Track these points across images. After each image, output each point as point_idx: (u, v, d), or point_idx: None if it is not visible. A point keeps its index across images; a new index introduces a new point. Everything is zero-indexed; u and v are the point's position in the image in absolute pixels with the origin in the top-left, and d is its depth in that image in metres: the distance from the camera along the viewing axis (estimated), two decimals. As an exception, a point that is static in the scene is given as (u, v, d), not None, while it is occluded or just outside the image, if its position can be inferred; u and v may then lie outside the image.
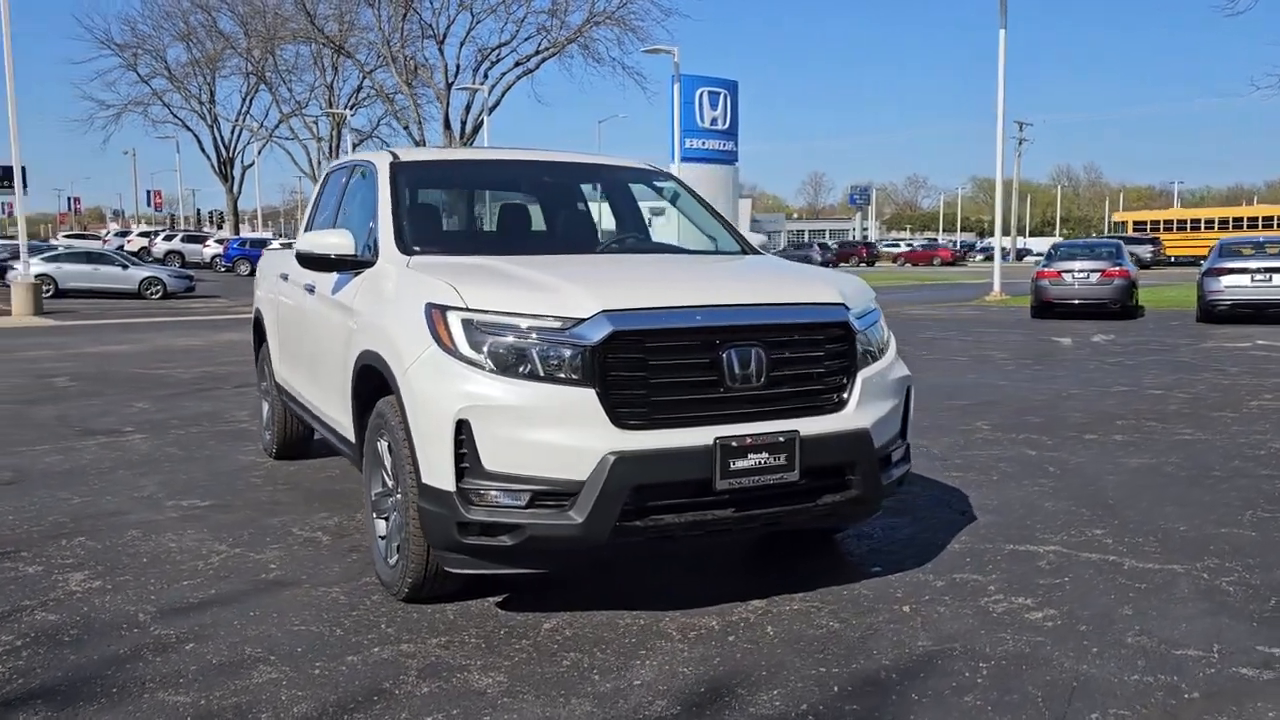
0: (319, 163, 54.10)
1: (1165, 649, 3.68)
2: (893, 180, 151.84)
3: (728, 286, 4.24)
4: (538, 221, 5.50)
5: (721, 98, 35.06)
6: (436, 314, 3.80)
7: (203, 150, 61.40)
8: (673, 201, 5.72)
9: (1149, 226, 60.54)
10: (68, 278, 29.40)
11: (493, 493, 3.62)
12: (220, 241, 47.81)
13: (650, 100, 37.34)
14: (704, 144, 36.53)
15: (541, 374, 3.65)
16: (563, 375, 3.65)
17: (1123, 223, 67.11)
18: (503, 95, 45.13)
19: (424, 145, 46.16)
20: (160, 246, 49.67)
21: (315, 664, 3.55)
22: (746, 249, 5.36)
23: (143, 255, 44.56)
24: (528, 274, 4.07)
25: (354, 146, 49.33)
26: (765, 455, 3.79)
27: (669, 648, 3.71)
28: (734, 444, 3.73)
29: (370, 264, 4.62)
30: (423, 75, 45.00)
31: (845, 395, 4.07)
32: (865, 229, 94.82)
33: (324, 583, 4.38)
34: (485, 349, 3.69)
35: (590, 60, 45.66)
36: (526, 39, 44.62)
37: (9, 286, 23.86)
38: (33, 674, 3.48)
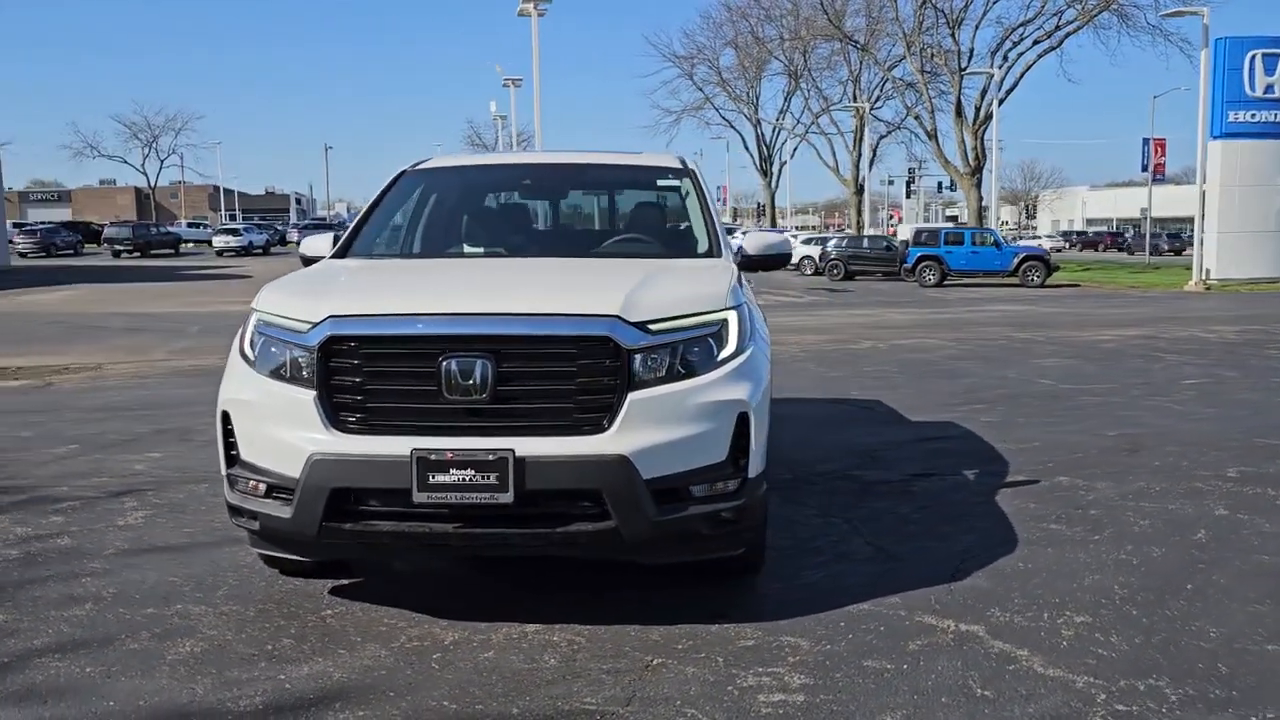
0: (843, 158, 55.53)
1: None
2: None
3: (501, 294, 4.06)
4: (512, 225, 5.58)
5: (1281, 61, 30.06)
6: (248, 315, 4.19)
7: (746, 148, 66.25)
8: (666, 201, 5.41)
9: None
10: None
11: (245, 480, 3.94)
12: (744, 233, 51.07)
13: (1195, 68, 32.06)
14: (1253, 116, 31.41)
15: (285, 375, 3.89)
16: (293, 377, 3.85)
17: None
18: (1021, 76, 42.46)
19: (934, 135, 45.05)
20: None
21: (121, 610, 4.19)
22: (714, 251, 4.94)
23: None
24: (352, 280, 4.29)
25: (879, 140, 49.73)
26: (471, 473, 3.63)
27: (370, 651, 3.75)
28: (432, 457, 3.64)
29: None
30: (936, 62, 43.91)
31: (607, 417, 3.71)
32: None
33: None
34: (256, 349, 4.01)
35: (1127, 29, 41.00)
36: (1055, 13, 41.40)
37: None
38: None
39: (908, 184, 70.79)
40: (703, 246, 4.97)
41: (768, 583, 4.48)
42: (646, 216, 5.52)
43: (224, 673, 3.56)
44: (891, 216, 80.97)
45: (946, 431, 7.86)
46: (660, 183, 5.51)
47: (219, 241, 54.70)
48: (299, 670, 3.58)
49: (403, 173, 5.60)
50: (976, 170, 43.10)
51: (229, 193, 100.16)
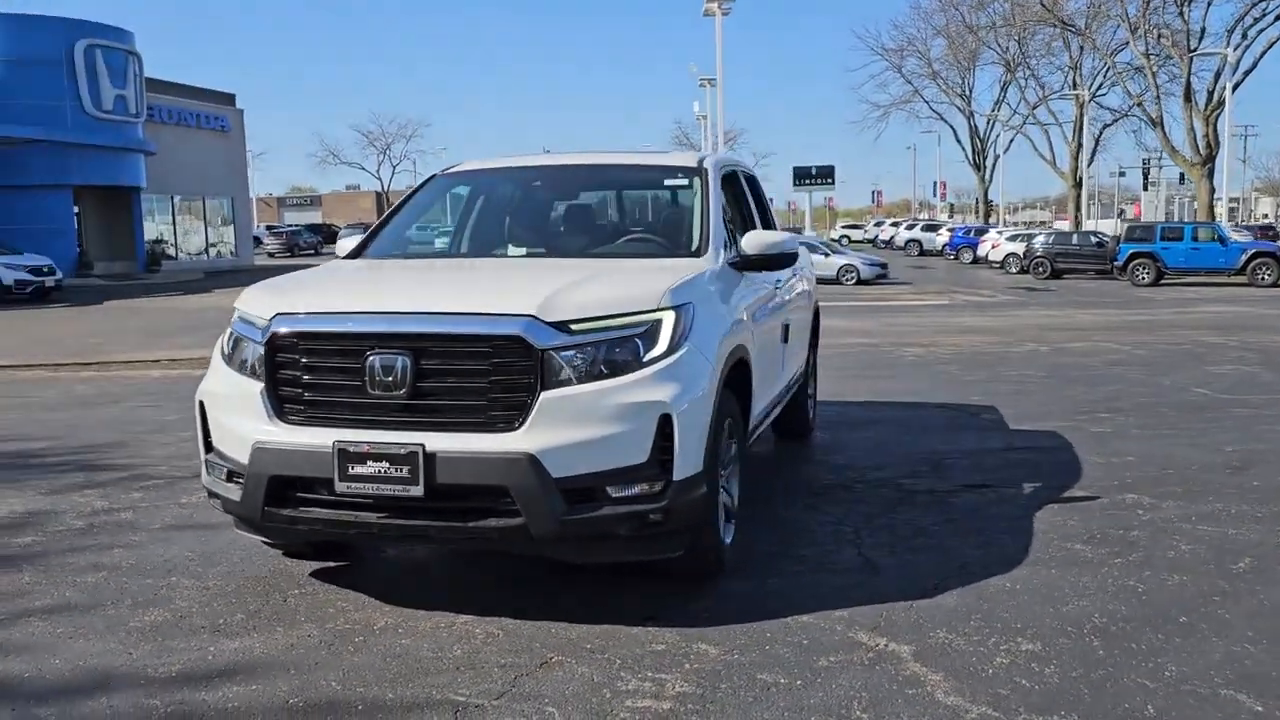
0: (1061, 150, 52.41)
1: None
2: None
3: (433, 294, 4.16)
4: (512, 227, 5.66)
5: None
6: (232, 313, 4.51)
7: (958, 141, 63.59)
8: (674, 201, 5.35)
9: None
10: (781, 265, 33.45)
11: (215, 466, 4.26)
12: (950, 230, 49.19)
13: None
14: None
15: (245, 369, 4.17)
16: (250, 370, 4.13)
17: None
18: (1262, 55, 38.60)
19: (1159, 122, 41.72)
20: (902, 235, 53.02)
21: (126, 579, 4.62)
22: (700, 250, 4.87)
23: (842, 241, 48.47)
24: (328, 279, 4.54)
25: (1101, 130, 46.64)
26: (385, 465, 3.78)
27: (304, 631, 3.97)
28: (351, 449, 3.81)
29: None
30: (1163, 44, 40.58)
31: (519, 415, 3.77)
32: None
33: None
34: (230, 344, 4.32)
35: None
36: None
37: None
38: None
39: (1144, 175, 65.90)
40: (692, 246, 4.92)
41: (734, 586, 4.39)
42: (647, 216, 5.52)
43: (166, 641, 3.87)
44: (1122, 211, 75.53)
45: (1040, 442, 7.37)
46: (668, 182, 5.48)
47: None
48: (230, 644, 3.85)
49: (433, 176, 5.84)
50: (1208, 159, 39.55)
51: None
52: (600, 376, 3.85)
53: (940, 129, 67.16)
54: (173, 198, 41.31)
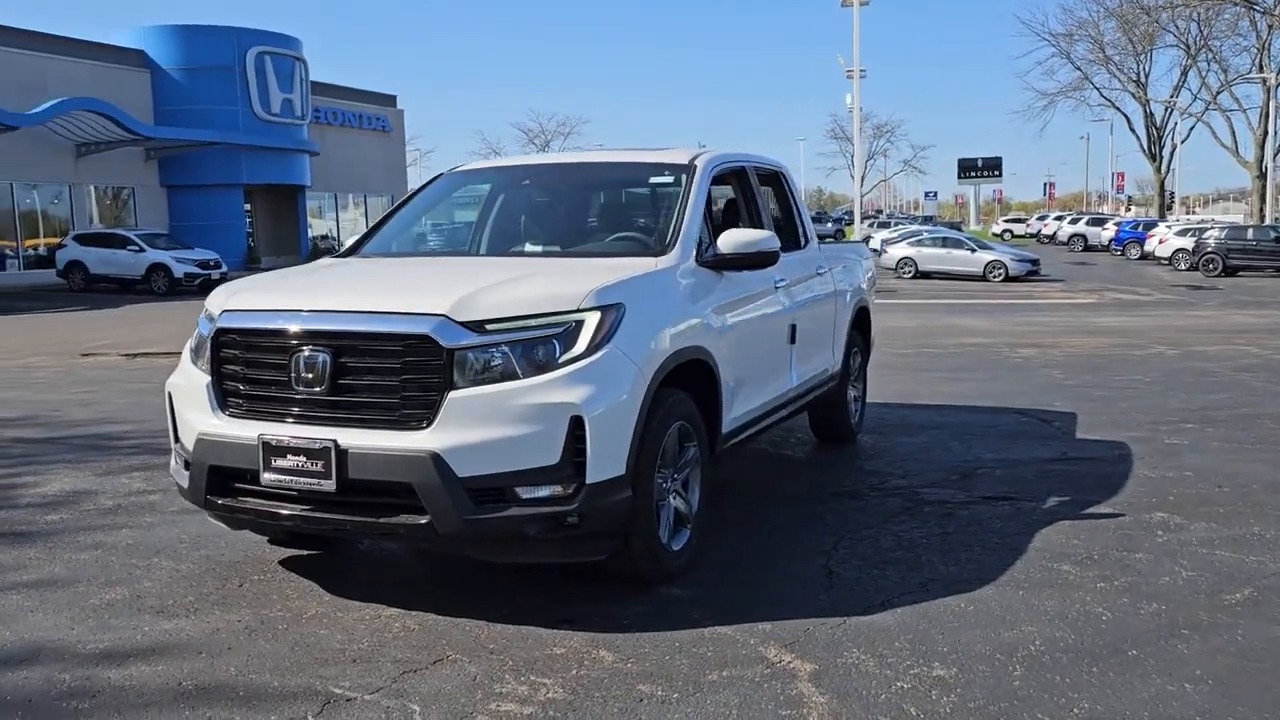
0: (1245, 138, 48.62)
1: None
2: None
3: (362, 293, 4.21)
4: (490, 225, 5.67)
5: None
6: None
7: (1131, 130, 59.83)
8: (658, 199, 5.25)
9: None
10: (926, 260, 32.43)
11: (177, 454, 4.47)
12: (1116, 224, 46.44)
13: None
14: None
15: (200, 363, 4.36)
16: (202, 365, 4.31)
17: None
18: None
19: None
20: (1065, 230, 50.41)
21: (115, 558, 4.91)
22: (669, 249, 4.77)
23: (1004, 237, 46.16)
24: (291, 277, 4.69)
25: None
26: (303, 459, 3.88)
27: (238, 616, 4.11)
28: (274, 443, 3.93)
29: None
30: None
31: (429, 414, 3.80)
32: None
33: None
34: (194, 338, 4.52)
35: None
36: None
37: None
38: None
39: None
40: (663, 244, 4.82)
41: (675, 592, 4.29)
42: (630, 215, 5.44)
43: (109, 620, 4.09)
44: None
45: (1098, 453, 6.89)
46: (654, 180, 5.39)
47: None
48: (163, 625, 4.03)
49: (439, 175, 5.95)
50: None
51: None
52: (513, 377, 3.84)
53: (1112, 117, 63.49)
54: (336, 195, 43.49)
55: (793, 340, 5.79)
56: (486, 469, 3.77)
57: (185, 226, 34.26)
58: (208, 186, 35.58)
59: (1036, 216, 64.77)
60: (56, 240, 31.20)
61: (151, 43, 35.52)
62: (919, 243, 33.67)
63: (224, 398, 4.19)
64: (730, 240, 4.89)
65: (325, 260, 5.38)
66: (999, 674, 3.48)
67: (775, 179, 6.57)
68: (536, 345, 3.88)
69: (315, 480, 3.88)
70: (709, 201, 5.28)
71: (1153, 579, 4.40)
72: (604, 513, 3.92)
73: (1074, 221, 51.71)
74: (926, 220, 63.67)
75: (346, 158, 42.68)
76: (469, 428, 3.77)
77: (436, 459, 3.73)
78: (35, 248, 32.23)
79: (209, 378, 4.23)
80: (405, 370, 3.85)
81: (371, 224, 5.65)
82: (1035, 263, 31.47)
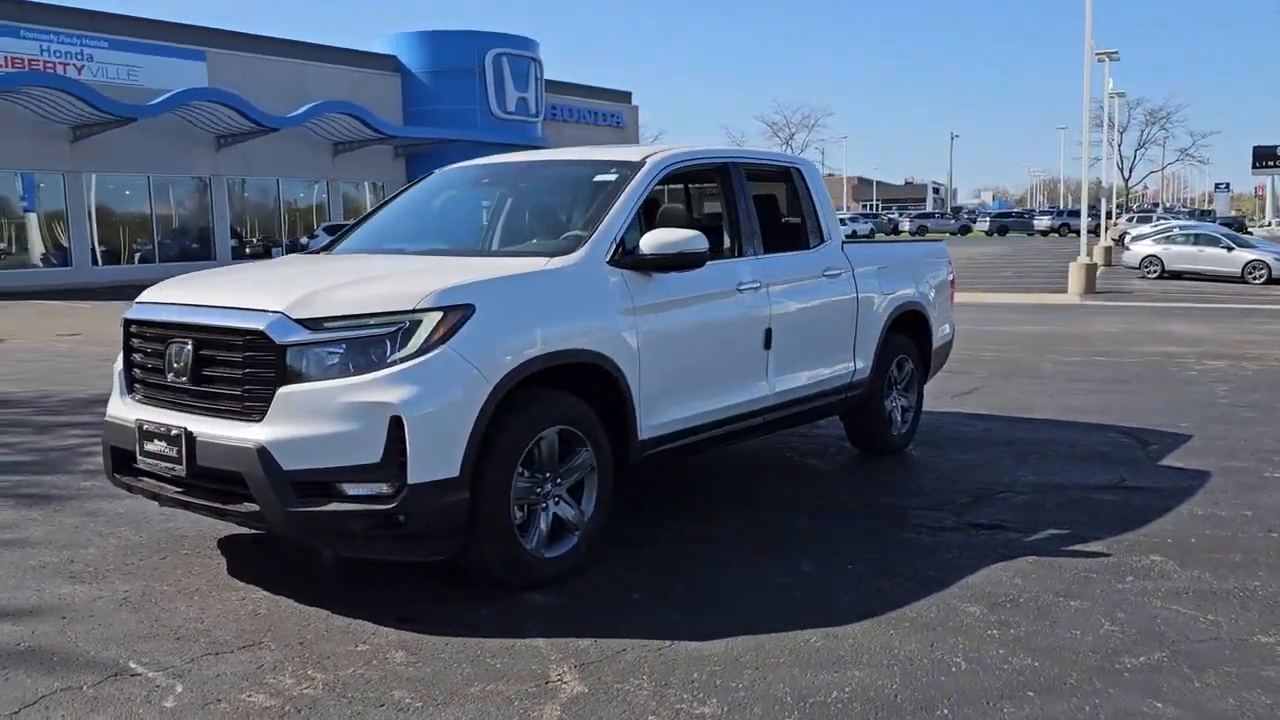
0: None
1: None
2: None
3: (233, 290, 4.35)
4: (423, 224, 5.75)
5: None
6: None
7: None
8: (594, 198, 5.09)
9: None
10: (1173, 259, 29.57)
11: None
12: None
13: None
14: None
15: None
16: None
17: None
18: None
19: None
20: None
21: (94, 525, 5.38)
22: (576, 249, 4.65)
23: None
24: (222, 271, 4.97)
25: None
26: (164, 444, 4.12)
27: (155, 590, 4.40)
28: (145, 428, 4.19)
29: None
30: None
31: (263, 407, 3.92)
32: None
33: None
34: None
35: None
36: None
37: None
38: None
39: None
40: (566, 244, 4.71)
41: (540, 601, 4.19)
42: (556, 214, 5.33)
43: (26, 580, 4.49)
44: None
45: (1162, 483, 6.08)
46: (597, 178, 5.25)
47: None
48: (59, 589, 4.36)
49: (432, 171, 6.08)
50: None
51: (867, 183, 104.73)
52: (345, 374, 3.89)
53: None
54: (570, 189, 45.11)
55: (767, 345, 5.49)
56: (311, 464, 3.85)
57: (425, 219, 36.61)
58: (447, 182, 37.88)
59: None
60: (313, 232, 34.29)
61: (403, 48, 38.26)
62: (1167, 239, 30.74)
63: (130, 383, 4.50)
64: (652, 241, 4.71)
65: (282, 257, 5.65)
66: (777, 713, 3.18)
67: (787, 177, 6.25)
68: (369, 344, 3.91)
69: (172, 465, 4.10)
70: (651, 201, 5.10)
71: (1061, 631, 3.85)
72: (433, 514, 3.90)
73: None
74: (1203, 215, 57.94)
75: (580, 153, 44.19)
76: (296, 422, 3.86)
77: (262, 451, 3.84)
78: (297, 238, 35.55)
79: (120, 365, 4.56)
80: (246, 364, 4.00)
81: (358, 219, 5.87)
82: (1309, 263, 27.95)
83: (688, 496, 5.96)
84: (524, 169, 5.93)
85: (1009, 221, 75.15)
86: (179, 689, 3.42)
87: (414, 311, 3.94)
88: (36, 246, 29.74)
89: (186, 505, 4.22)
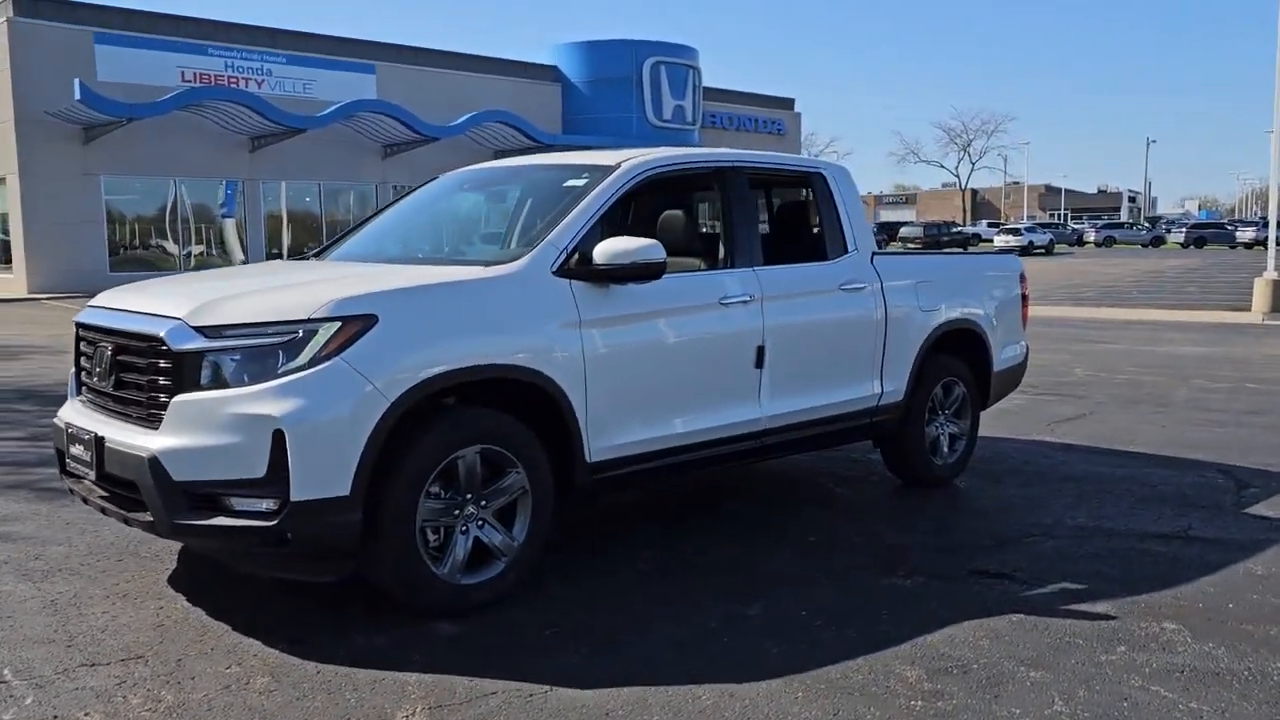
0: None
1: None
2: None
3: (163, 295, 4.26)
4: (402, 231, 5.50)
5: None
6: None
7: None
8: (558, 204, 4.78)
9: None
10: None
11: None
12: None
13: None
14: None
15: None
16: None
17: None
18: None
19: None
20: None
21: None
22: (518, 256, 4.39)
23: None
24: (185, 277, 4.97)
25: None
26: (81, 449, 4.11)
27: (89, 589, 4.42)
28: (69, 430, 4.19)
29: None
30: None
31: (161, 415, 3.85)
32: None
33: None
34: None
35: None
36: None
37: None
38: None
39: None
40: (507, 252, 4.47)
41: (446, 630, 3.94)
42: (523, 219, 5.06)
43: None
44: None
45: (1236, 534, 5.29)
46: (568, 183, 4.95)
47: (999, 241, 55.12)
48: (10, 585, 4.44)
49: (436, 176, 5.94)
50: None
51: (1055, 191, 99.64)
52: (239, 384, 3.76)
53: None
54: (728, 197, 44.76)
55: (759, 363, 5.07)
56: (200, 475, 3.74)
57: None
58: (602, 189, 38.29)
59: None
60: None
61: (563, 59, 38.90)
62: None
63: (79, 386, 4.54)
64: (605, 250, 4.39)
65: (265, 264, 5.63)
66: (586, 789, 2.82)
67: (807, 183, 5.79)
68: (264, 354, 3.77)
69: (86, 469, 4.09)
70: (620, 208, 4.79)
71: (998, 709, 3.30)
72: (320, 534, 3.72)
73: None
74: None
75: (739, 161, 43.79)
76: (187, 432, 3.76)
77: (153, 461, 3.76)
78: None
79: (74, 367, 4.61)
80: (148, 370, 3.93)
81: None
82: None
83: (674, 526, 5.55)
84: (506, 174, 5.73)
85: (1207, 233, 69.61)
86: (28, 700, 3.36)
87: (309, 321, 3.78)
88: (236, 251, 31.65)
89: (104, 510, 4.20)
